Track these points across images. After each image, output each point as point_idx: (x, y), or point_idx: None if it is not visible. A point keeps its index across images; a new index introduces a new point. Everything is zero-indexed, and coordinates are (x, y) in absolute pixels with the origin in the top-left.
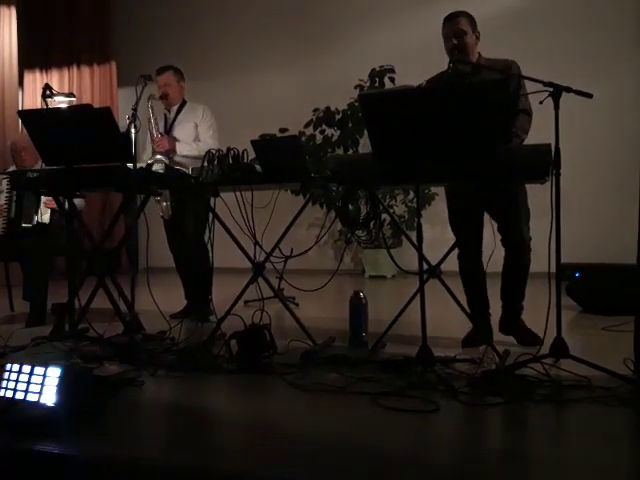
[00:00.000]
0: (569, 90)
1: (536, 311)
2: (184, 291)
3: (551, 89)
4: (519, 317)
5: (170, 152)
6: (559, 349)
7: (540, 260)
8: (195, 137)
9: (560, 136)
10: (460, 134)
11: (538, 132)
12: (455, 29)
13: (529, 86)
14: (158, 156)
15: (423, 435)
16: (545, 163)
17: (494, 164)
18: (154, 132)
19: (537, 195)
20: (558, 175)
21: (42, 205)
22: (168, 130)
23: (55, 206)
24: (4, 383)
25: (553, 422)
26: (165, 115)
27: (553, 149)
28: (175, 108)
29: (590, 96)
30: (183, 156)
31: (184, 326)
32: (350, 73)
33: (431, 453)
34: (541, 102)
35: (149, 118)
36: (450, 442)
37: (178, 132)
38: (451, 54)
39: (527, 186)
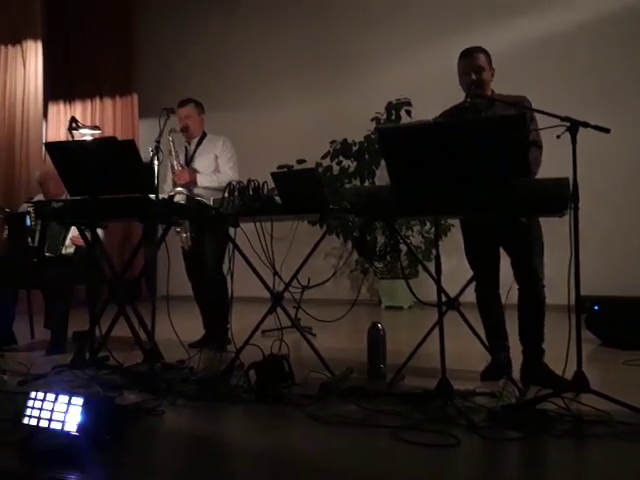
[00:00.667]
0: (586, 125)
1: (555, 344)
2: (202, 320)
3: (568, 124)
4: (541, 361)
5: (190, 184)
6: (580, 383)
7: (557, 293)
8: (215, 169)
9: (577, 169)
10: (478, 167)
11: (554, 165)
12: (474, 64)
13: (544, 120)
14: (178, 188)
15: (443, 470)
16: (564, 197)
17: (513, 197)
18: (175, 164)
19: (553, 228)
20: (576, 209)
21: (69, 239)
22: (188, 162)
23: (82, 243)
24: (28, 411)
25: (574, 458)
26: (185, 147)
27: (571, 183)
28: (195, 140)
29: (607, 131)
30: (204, 188)
31: (203, 355)
32: (367, 106)
33: None
34: (558, 137)
35: (170, 150)
36: (470, 477)
37: (198, 164)
38: (469, 89)
39: (543, 219)
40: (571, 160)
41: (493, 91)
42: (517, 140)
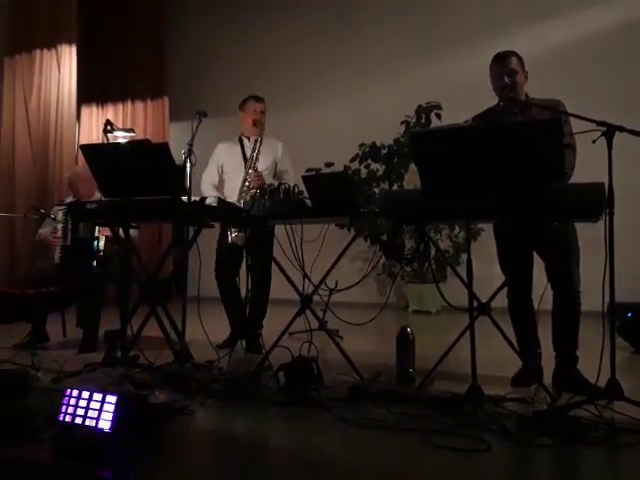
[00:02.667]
0: (622, 129)
1: (588, 351)
2: (229, 320)
3: (604, 128)
4: (574, 368)
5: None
6: (613, 391)
7: (590, 299)
8: (273, 173)
9: (613, 174)
10: (513, 172)
11: (590, 170)
12: (506, 68)
13: (580, 124)
14: (253, 191)
15: (474, 475)
16: (599, 202)
17: (548, 202)
18: (249, 166)
19: (586, 233)
20: (612, 214)
21: (98, 231)
22: (252, 163)
23: (109, 233)
24: (64, 407)
25: (606, 466)
26: (242, 142)
27: (607, 188)
28: (253, 139)
29: None
30: None
31: (232, 356)
32: (396, 109)
33: None
34: (594, 141)
35: (253, 155)
36: None
37: (261, 165)
38: (501, 92)
39: (578, 223)
40: (606, 165)
41: (527, 95)
42: (552, 144)
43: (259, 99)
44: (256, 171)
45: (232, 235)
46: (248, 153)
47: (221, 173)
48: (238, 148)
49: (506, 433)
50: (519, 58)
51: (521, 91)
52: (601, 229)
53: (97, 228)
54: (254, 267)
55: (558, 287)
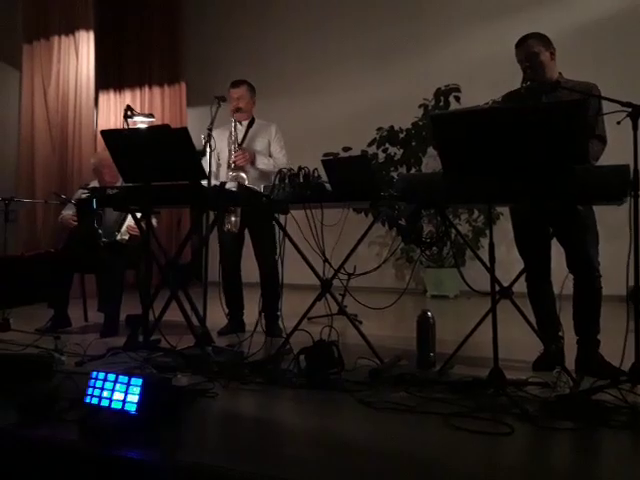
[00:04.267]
0: None
1: (611, 336)
2: (229, 308)
3: (629, 109)
4: (596, 352)
5: (247, 164)
6: (637, 375)
7: (613, 283)
8: (269, 153)
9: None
10: (535, 154)
11: (617, 153)
12: (526, 52)
13: (606, 107)
14: (241, 174)
15: (497, 457)
16: (624, 184)
17: (571, 184)
18: (234, 146)
19: (608, 216)
20: (637, 197)
21: (125, 227)
22: (241, 143)
23: (138, 233)
24: (90, 390)
25: (630, 449)
26: (235, 127)
27: (632, 170)
28: (245, 123)
29: None
30: (260, 170)
31: (252, 340)
32: (414, 92)
33: (502, 474)
34: (619, 122)
35: (230, 132)
36: (523, 465)
37: (256, 145)
38: (525, 74)
39: (598, 207)
40: (632, 147)
41: (561, 74)
42: (574, 126)
43: (233, 84)
44: (241, 148)
45: (226, 223)
46: (240, 136)
47: (217, 160)
48: (227, 133)
49: (528, 417)
50: (540, 38)
51: (549, 70)
52: (623, 212)
53: (126, 223)
54: (258, 252)
55: (578, 271)
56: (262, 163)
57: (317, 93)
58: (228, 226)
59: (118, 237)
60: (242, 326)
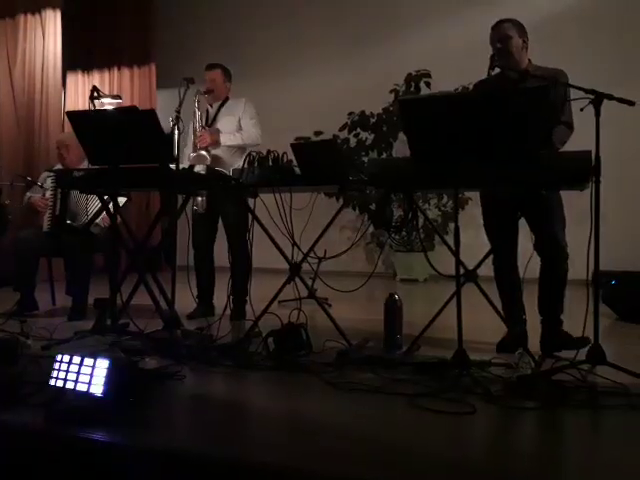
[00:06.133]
0: (610, 97)
1: (572, 318)
2: (198, 291)
3: (592, 96)
4: (560, 330)
5: (212, 145)
6: (596, 356)
7: (576, 267)
8: (237, 129)
9: (601, 143)
10: (500, 139)
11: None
12: (500, 34)
13: (572, 94)
14: (202, 152)
15: (460, 436)
16: (585, 170)
17: (535, 170)
18: (197, 126)
19: (573, 202)
20: (598, 182)
21: (101, 218)
22: (209, 124)
23: (109, 223)
24: (55, 373)
25: (588, 427)
26: (207, 110)
27: (594, 156)
28: (217, 104)
29: (632, 104)
30: (227, 147)
31: (221, 324)
32: (385, 77)
33: (465, 453)
34: (582, 109)
35: (194, 112)
36: (485, 444)
37: (220, 125)
38: (492, 59)
39: (565, 193)
40: (594, 133)
41: (530, 62)
42: (538, 112)
43: (208, 67)
44: (204, 128)
45: (193, 205)
46: (210, 119)
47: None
48: (197, 117)
49: (491, 396)
50: (515, 24)
51: (519, 57)
52: (588, 198)
53: (94, 208)
54: (227, 234)
55: (546, 253)
56: (228, 140)
57: (289, 77)
58: (195, 207)
59: (92, 228)
60: (212, 309)
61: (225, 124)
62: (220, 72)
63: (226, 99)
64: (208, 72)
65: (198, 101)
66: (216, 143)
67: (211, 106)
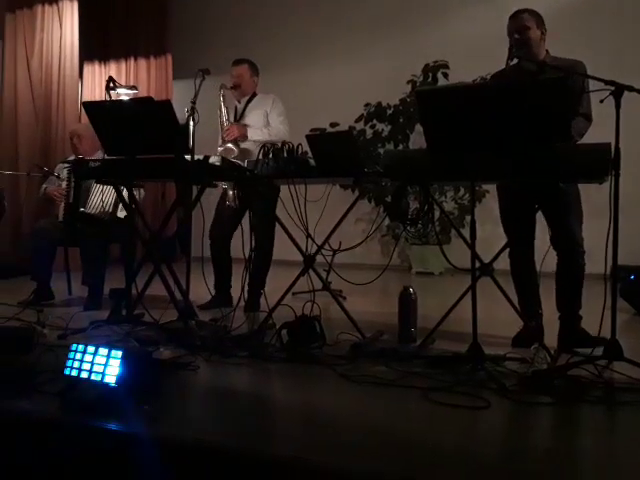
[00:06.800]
0: (631, 89)
1: (590, 313)
2: (215, 282)
3: (612, 88)
4: (579, 327)
5: (240, 138)
6: (613, 351)
7: (594, 261)
8: (265, 125)
9: (621, 136)
10: (518, 131)
11: (604, 132)
12: (518, 25)
13: (592, 86)
14: (229, 145)
15: (473, 430)
16: (605, 163)
17: (553, 162)
18: (224, 121)
19: (592, 195)
20: (617, 175)
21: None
22: (238, 119)
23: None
24: (70, 362)
25: (604, 423)
26: (235, 106)
27: (613, 149)
28: (245, 99)
29: None
30: (254, 141)
31: (235, 315)
32: (402, 68)
33: (478, 448)
34: (602, 101)
35: (219, 107)
36: (499, 438)
37: (248, 120)
38: (510, 50)
39: (583, 185)
40: (614, 125)
41: (548, 52)
42: (557, 104)
43: (234, 62)
44: (231, 123)
45: (227, 199)
46: (238, 115)
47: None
48: (223, 112)
49: (505, 391)
50: (533, 14)
51: (537, 48)
52: (607, 191)
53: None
54: (254, 227)
55: (562, 248)
56: (256, 135)
57: (306, 69)
58: (227, 202)
59: (118, 214)
60: (229, 300)
61: (253, 119)
62: (247, 67)
63: (254, 95)
64: (235, 67)
65: (223, 95)
66: (243, 137)
67: (239, 102)
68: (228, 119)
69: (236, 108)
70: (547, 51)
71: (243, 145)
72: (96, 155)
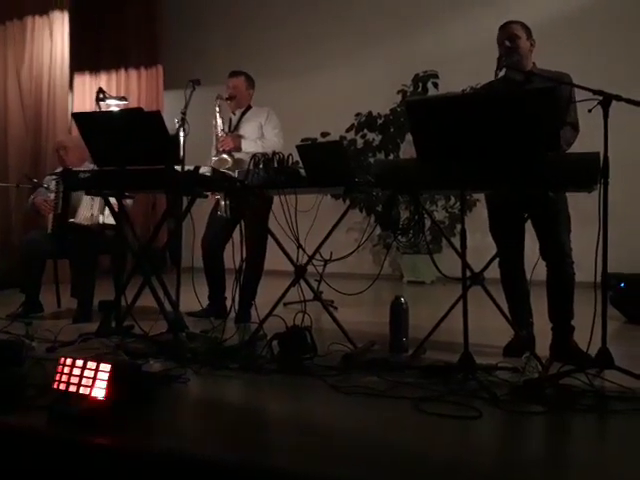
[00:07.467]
0: (619, 98)
1: (581, 321)
2: (209, 291)
3: (600, 97)
4: (570, 338)
5: (234, 149)
6: (604, 360)
7: (584, 269)
8: (260, 136)
9: (609, 144)
10: (507, 141)
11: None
12: (509, 33)
13: (579, 96)
14: (223, 155)
15: (465, 440)
16: (594, 171)
17: (542, 171)
18: (219, 131)
19: (581, 203)
20: (606, 184)
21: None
22: (232, 130)
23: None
24: (58, 376)
25: (595, 432)
26: (230, 118)
27: (602, 157)
28: (240, 111)
29: None
30: (247, 153)
31: (225, 326)
32: (392, 78)
33: (471, 458)
34: (590, 110)
35: (215, 117)
36: (491, 448)
37: (242, 131)
38: (499, 60)
39: (572, 194)
40: (602, 134)
41: (535, 64)
42: (546, 113)
43: (231, 74)
44: (226, 134)
45: (219, 209)
46: (233, 126)
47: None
48: (218, 122)
49: (497, 401)
50: (523, 25)
51: (526, 59)
52: (596, 199)
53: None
54: (246, 237)
55: (551, 258)
56: (250, 147)
57: (296, 78)
58: (219, 212)
59: (100, 220)
60: (224, 311)
61: (248, 131)
62: (243, 79)
63: (249, 107)
64: (231, 79)
65: (219, 106)
66: (237, 148)
67: (234, 113)
68: (223, 129)
69: (230, 120)
70: (534, 64)
71: (238, 155)
72: (83, 166)
